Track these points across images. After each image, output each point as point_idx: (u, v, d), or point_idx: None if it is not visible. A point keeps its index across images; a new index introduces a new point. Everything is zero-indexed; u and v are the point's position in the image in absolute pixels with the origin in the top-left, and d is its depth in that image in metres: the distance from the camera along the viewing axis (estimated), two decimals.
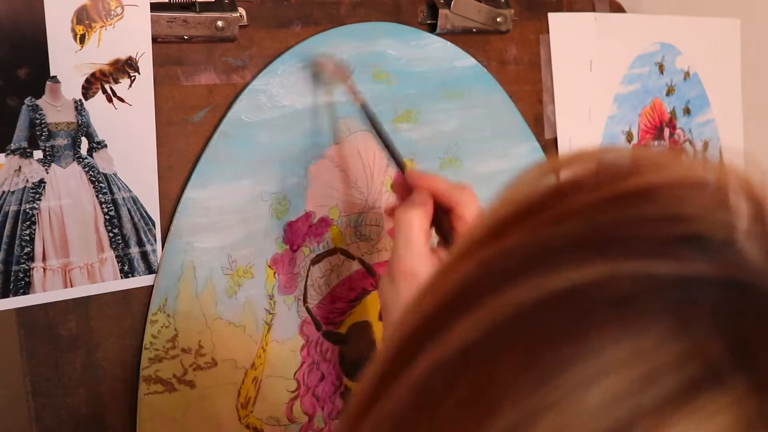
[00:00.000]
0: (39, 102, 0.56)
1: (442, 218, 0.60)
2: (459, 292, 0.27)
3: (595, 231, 0.26)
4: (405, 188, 0.62)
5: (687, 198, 0.26)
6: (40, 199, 0.57)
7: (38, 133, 0.56)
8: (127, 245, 0.60)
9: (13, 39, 0.54)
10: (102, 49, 0.57)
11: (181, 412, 0.63)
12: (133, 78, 0.59)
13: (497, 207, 0.29)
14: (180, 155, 0.63)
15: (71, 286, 0.58)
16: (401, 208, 0.59)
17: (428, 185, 0.60)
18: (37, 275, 0.57)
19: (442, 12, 0.75)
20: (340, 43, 0.69)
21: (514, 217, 0.28)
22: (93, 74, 0.57)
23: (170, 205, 0.62)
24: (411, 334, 0.28)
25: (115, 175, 0.59)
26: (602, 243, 0.26)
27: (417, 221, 0.58)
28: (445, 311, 0.27)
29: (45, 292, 0.57)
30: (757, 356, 0.23)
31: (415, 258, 0.57)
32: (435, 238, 0.62)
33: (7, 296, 0.56)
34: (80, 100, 0.57)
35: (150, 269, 0.61)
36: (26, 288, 0.57)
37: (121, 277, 0.60)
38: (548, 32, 0.84)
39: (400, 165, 0.65)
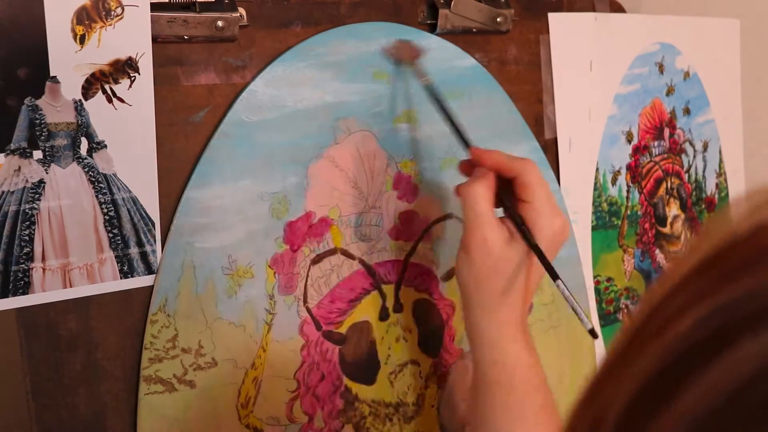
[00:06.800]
0: (39, 102, 0.56)
1: (506, 189, 0.64)
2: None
3: None
4: (471, 167, 0.66)
5: None
6: (39, 200, 0.57)
7: (38, 133, 0.56)
8: (126, 245, 0.60)
9: (13, 39, 0.54)
10: (102, 50, 0.57)
11: (181, 412, 0.63)
12: (133, 78, 0.59)
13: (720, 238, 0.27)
14: (180, 155, 0.63)
15: (71, 287, 0.58)
16: (465, 183, 0.64)
17: (490, 160, 0.65)
18: (36, 275, 0.57)
19: (442, 12, 0.75)
20: (340, 43, 0.69)
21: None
22: (93, 74, 0.57)
23: (170, 205, 0.62)
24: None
25: (115, 175, 0.59)
26: None
27: (481, 193, 0.62)
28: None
29: (45, 292, 0.57)
30: None
31: (485, 226, 0.62)
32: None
33: (7, 296, 0.56)
34: (80, 100, 0.57)
35: (150, 269, 0.61)
36: (26, 288, 0.57)
37: (121, 278, 0.60)
38: (548, 32, 0.84)
39: (466, 143, 0.68)
